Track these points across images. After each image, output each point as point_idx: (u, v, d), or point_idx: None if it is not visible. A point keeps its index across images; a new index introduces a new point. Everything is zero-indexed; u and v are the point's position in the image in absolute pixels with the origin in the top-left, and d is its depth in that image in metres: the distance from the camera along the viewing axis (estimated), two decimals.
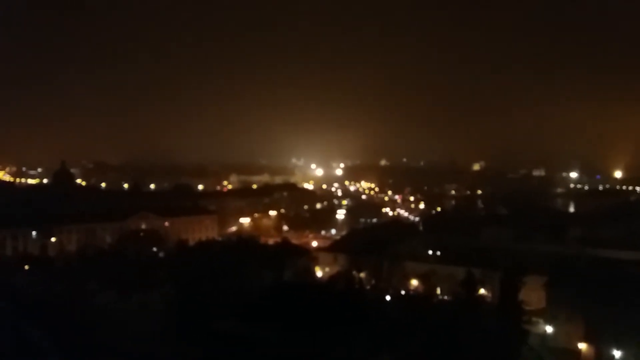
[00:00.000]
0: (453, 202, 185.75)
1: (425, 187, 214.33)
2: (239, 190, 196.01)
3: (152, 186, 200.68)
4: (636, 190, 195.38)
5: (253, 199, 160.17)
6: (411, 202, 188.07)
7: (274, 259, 67.55)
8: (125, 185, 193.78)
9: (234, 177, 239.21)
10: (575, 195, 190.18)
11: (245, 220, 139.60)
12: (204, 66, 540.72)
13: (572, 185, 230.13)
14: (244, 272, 58.93)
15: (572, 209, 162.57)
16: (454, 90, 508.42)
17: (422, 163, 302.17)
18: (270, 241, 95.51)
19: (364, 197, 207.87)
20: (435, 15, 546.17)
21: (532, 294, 52.14)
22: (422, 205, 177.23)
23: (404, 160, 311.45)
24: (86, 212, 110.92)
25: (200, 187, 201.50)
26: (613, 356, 45.57)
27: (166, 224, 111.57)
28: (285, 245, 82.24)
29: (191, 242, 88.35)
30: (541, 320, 52.23)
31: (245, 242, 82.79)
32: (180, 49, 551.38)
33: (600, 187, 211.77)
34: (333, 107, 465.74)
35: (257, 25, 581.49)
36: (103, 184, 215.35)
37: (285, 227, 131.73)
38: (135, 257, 73.13)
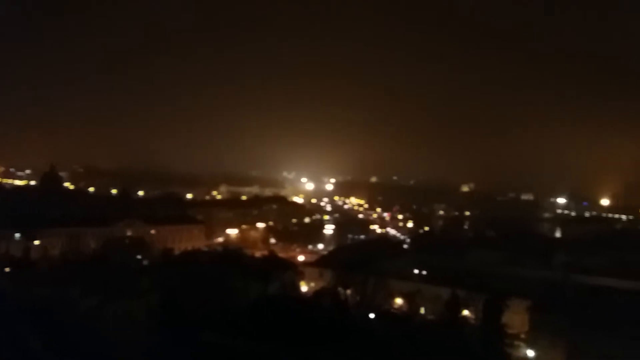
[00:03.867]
0: (441, 222, 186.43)
1: (414, 206, 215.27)
2: (228, 200, 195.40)
3: (141, 193, 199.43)
4: (621, 219, 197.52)
5: (242, 210, 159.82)
6: (399, 220, 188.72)
7: (259, 272, 67.30)
8: (114, 191, 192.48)
9: (223, 188, 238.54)
10: (562, 220, 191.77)
11: (232, 232, 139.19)
12: (199, 75, 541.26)
13: (559, 211, 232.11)
14: (229, 283, 58.62)
15: (558, 234, 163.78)
16: (447, 111, 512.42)
17: (412, 182, 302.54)
18: (257, 253, 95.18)
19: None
20: (430, 34, 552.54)
21: (516, 318, 52.47)
22: (410, 224, 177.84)
23: (394, 178, 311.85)
24: (72, 216, 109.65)
25: (189, 196, 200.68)
26: None
27: (152, 231, 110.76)
28: (271, 258, 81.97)
29: (177, 251, 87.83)
30: (523, 344, 52.36)
31: (232, 253, 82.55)
32: (175, 57, 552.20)
33: (587, 214, 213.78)
34: (326, 122, 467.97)
35: (250, 37, 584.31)
36: (91, 189, 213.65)
37: (272, 240, 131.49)
38: (120, 263, 72.39)
